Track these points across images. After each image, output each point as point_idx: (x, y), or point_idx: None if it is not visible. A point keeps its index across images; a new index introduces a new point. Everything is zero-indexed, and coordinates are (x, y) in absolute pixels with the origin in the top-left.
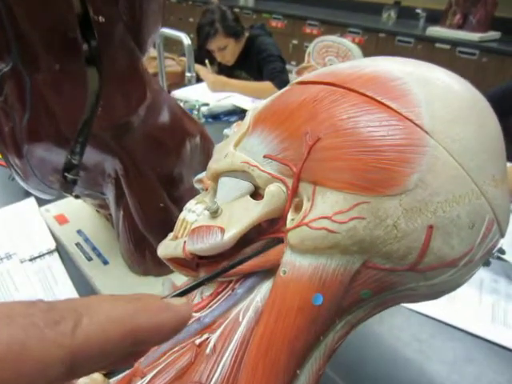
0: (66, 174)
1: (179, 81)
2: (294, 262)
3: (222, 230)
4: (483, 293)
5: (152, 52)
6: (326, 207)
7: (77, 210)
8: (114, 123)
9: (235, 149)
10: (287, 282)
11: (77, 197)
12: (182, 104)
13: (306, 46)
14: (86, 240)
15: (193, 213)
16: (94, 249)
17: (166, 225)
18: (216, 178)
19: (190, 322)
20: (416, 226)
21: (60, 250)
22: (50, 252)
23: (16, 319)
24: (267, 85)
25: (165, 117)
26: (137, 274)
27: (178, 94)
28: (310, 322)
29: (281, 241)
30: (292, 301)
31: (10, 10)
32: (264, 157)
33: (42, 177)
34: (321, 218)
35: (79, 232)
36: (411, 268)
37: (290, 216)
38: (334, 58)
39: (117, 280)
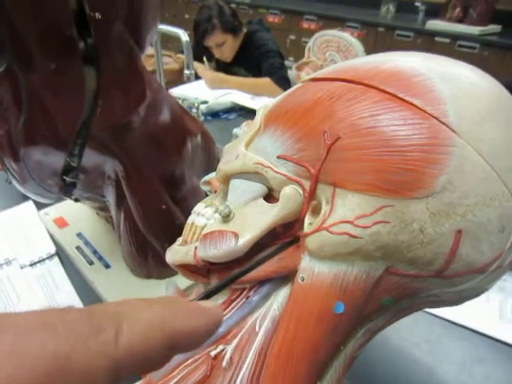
0: (64, 177)
1: (177, 78)
2: (312, 269)
3: (236, 235)
4: (490, 291)
5: (149, 50)
6: (347, 211)
7: (76, 212)
8: (114, 123)
9: (246, 149)
10: (306, 289)
11: (76, 200)
12: (180, 102)
13: (304, 42)
14: (87, 243)
15: (202, 216)
16: (94, 252)
17: (168, 227)
18: (226, 180)
19: None
20: (443, 230)
21: (60, 254)
22: (50, 256)
23: (58, 328)
24: (266, 81)
25: (165, 116)
26: (139, 277)
27: (176, 91)
28: (330, 331)
29: (296, 240)
30: (312, 309)
31: (3, 7)
32: (278, 157)
33: (40, 180)
34: (342, 223)
35: (79, 235)
36: (437, 274)
37: (307, 220)
38: (334, 52)
39: (119, 284)
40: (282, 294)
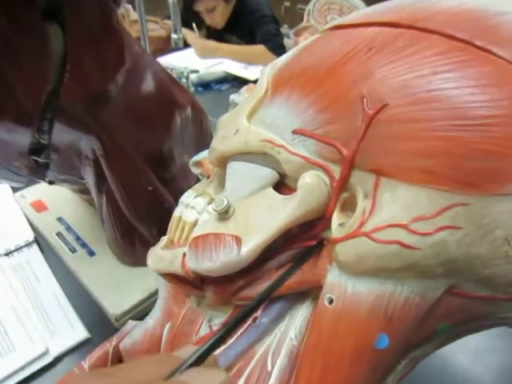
0: (34, 158)
1: (164, 46)
2: (344, 287)
3: (238, 241)
4: None
5: (132, 15)
6: (398, 210)
7: (56, 195)
8: (87, 93)
9: (249, 122)
10: (336, 315)
11: (51, 182)
12: (168, 71)
13: (300, 8)
14: (68, 229)
15: (192, 209)
16: (77, 239)
17: (156, 211)
18: (223, 162)
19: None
20: None
21: (39, 241)
22: (29, 244)
23: None
24: (260, 49)
25: (149, 85)
26: (127, 266)
27: (164, 60)
28: (369, 371)
29: (320, 245)
30: (345, 344)
31: None
32: (294, 132)
33: (7, 163)
34: (390, 227)
35: (60, 220)
36: None
37: (336, 219)
38: (337, 16)
39: (105, 273)
40: (300, 317)
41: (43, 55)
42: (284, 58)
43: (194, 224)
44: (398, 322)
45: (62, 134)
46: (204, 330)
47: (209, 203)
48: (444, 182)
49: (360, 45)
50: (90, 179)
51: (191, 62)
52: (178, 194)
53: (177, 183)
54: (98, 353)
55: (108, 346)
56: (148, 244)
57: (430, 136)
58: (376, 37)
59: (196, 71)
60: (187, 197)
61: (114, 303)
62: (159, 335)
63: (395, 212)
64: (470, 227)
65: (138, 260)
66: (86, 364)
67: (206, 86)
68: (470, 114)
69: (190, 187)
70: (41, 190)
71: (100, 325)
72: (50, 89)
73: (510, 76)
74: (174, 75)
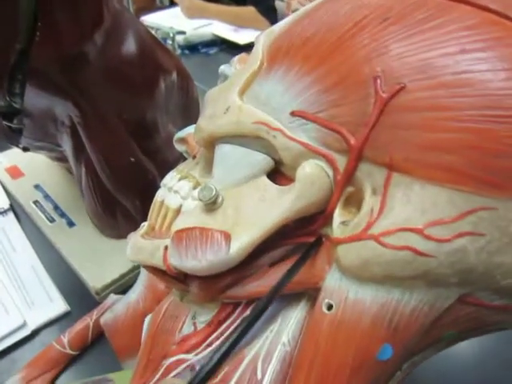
0: (6, 123)
1: (149, 4)
2: (345, 293)
3: (227, 238)
4: None
5: None
6: (411, 211)
7: (33, 160)
8: (62, 54)
9: (242, 99)
10: (335, 323)
11: (25, 149)
12: (153, 31)
13: None
14: (46, 197)
15: (175, 194)
16: (56, 208)
17: (139, 183)
18: (211, 144)
19: (176, 371)
20: None
21: (16, 209)
22: (4, 212)
23: None
24: (250, 11)
25: (131, 46)
26: (108, 238)
27: (149, 19)
28: (369, 383)
29: (318, 242)
30: (344, 355)
31: None
32: (293, 114)
33: None
34: (402, 230)
35: (37, 187)
36: None
37: (338, 216)
38: None
39: (85, 245)
40: (293, 319)
41: (9, 9)
42: (282, 24)
43: (178, 210)
44: (403, 332)
45: (35, 99)
46: (188, 328)
47: (194, 188)
48: (468, 182)
49: (373, 14)
50: (67, 147)
51: (177, 22)
52: (162, 166)
53: (161, 154)
54: (77, 327)
55: (88, 321)
56: (131, 216)
57: (454, 127)
58: (393, 4)
59: (183, 32)
60: (170, 179)
61: (95, 276)
62: (142, 310)
63: (409, 214)
64: (493, 234)
65: (121, 232)
66: (65, 338)
67: (192, 48)
68: (505, 104)
69: (175, 159)
70: (17, 155)
71: (80, 298)
72: (19, 47)
73: None
74: (159, 36)
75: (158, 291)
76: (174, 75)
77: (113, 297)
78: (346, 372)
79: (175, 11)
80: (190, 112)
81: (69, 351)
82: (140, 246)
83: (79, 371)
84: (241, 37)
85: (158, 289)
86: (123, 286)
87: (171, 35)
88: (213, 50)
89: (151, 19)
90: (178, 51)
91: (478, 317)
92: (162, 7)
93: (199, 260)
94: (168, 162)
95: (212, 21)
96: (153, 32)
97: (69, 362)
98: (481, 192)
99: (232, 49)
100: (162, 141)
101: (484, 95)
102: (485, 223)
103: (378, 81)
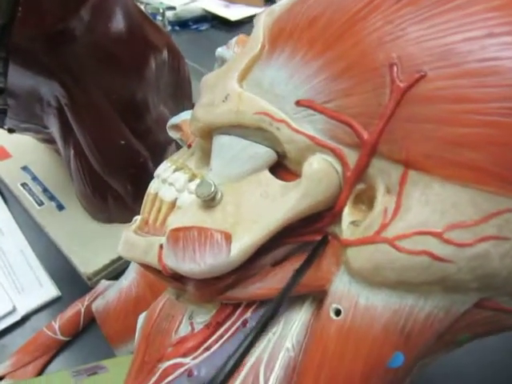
0: None
1: None
2: (355, 299)
3: (227, 238)
4: None
5: None
6: (430, 213)
7: (20, 141)
8: (45, 31)
9: (241, 85)
10: (345, 330)
11: (11, 131)
12: (142, 7)
13: None
14: (35, 179)
15: (170, 186)
16: (44, 190)
17: (129, 166)
18: (208, 134)
19: (173, 375)
20: None
21: (3, 191)
22: None
23: None
24: None
25: (119, 23)
26: (99, 222)
27: None
28: None
29: (325, 241)
30: (354, 363)
31: None
32: (298, 104)
33: None
34: (420, 234)
35: (25, 169)
36: None
37: (347, 216)
38: None
39: (75, 229)
40: (297, 322)
41: None
42: (284, 2)
43: (173, 203)
44: (416, 339)
45: (20, 78)
46: (184, 329)
47: (190, 180)
48: (492, 182)
49: None
50: (54, 129)
51: None
52: (153, 148)
53: (152, 135)
54: (69, 313)
55: (80, 306)
56: (122, 201)
57: (479, 121)
58: None
59: (173, 8)
60: (164, 170)
61: (86, 261)
62: (134, 297)
63: (427, 216)
64: None
65: (112, 216)
66: (56, 324)
67: (183, 24)
68: None
69: (167, 140)
70: (3, 136)
71: (71, 282)
72: (0, 23)
73: None
74: (149, 11)
75: (150, 277)
76: (165, 53)
77: (104, 283)
78: (355, 381)
79: None
80: (181, 91)
81: (60, 337)
82: (133, 242)
83: (72, 357)
84: (232, 13)
85: (150, 277)
86: (115, 271)
87: (161, 11)
88: (204, 27)
89: None
90: (168, 27)
91: (497, 321)
92: None
93: (198, 263)
94: (159, 143)
95: None
96: (142, 7)
97: (60, 347)
98: (507, 192)
99: (223, 25)
100: (152, 122)
101: None
102: (511, 226)
103: (395, 68)
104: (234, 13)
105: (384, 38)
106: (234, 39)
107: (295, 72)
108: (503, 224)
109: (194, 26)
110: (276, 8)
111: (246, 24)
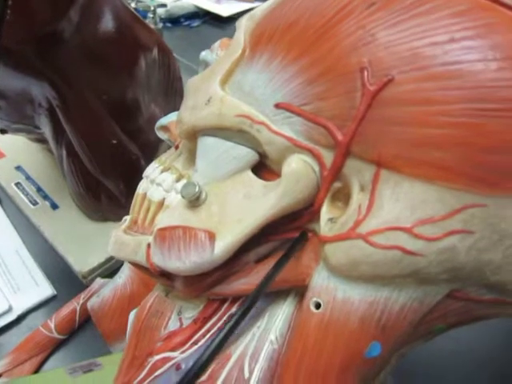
0: None
1: None
2: (333, 292)
3: (211, 237)
4: None
5: None
6: (401, 209)
7: (13, 141)
8: (35, 33)
9: (224, 89)
10: (324, 322)
11: (3, 131)
12: (133, 4)
13: None
14: (28, 178)
15: (158, 186)
16: (38, 190)
17: (121, 165)
18: (193, 136)
19: (162, 369)
20: None
21: None
22: None
23: None
24: None
25: (108, 24)
26: (93, 221)
27: None
28: (358, 379)
29: (304, 237)
30: (333, 354)
31: None
32: (277, 106)
33: None
34: (391, 230)
35: (19, 169)
36: None
37: (325, 213)
38: None
39: (70, 228)
40: (281, 315)
41: None
42: (264, 7)
43: (161, 203)
44: (392, 329)
45: (10, 79)
46: (173, 324)
47: (177, 180)
48: (459, 179)
49: None
50: (46, 130)
51: None
52: (145, 146)
53: (144, 134)
54: (64, 311)
55: (75, 305)
56: (116, 198)
57: (445, 122)
58: None
59: (164, 5)
60: (152, 170)
61: (81, 260)
62: (129, 294)
63: (398, 212)
64: (484, 232)
65: (106, 215)
66: (52, 322)
67: (174, 21)
68: (497, 96)
69: (158, 139)
70: None
71: (66, 281)
72: None
73: None
74: (140, 9)
75: (144, 275)
76: (155, 52)
77: (99, 281)
78: (334, 370)
79: None
80: (172, 89)
81: (56, 335)
82: (122, 241)
83: (68, 355)
84: (223, 8)
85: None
86: (110, 269)
87: (152, 8)
88: (195, 23)
89: None
90: (160, 24)
91: (468, 311)
92: None
93: (183, 261)
94: (151, 142)
95: None
96: (133, 4)
97: (56, 346)
98: (472, 189)
99: (215, 21)
100: (144, 121)
101: (474, 87)
102: (475, 221)
103: (365, 72)
104: (226, 8)
105: (356, 43)
106: (217, 43)
107: (274, 76)
108: (468, 219)
109: (186, 23)
110: (257, 12)
111: (237, 20)
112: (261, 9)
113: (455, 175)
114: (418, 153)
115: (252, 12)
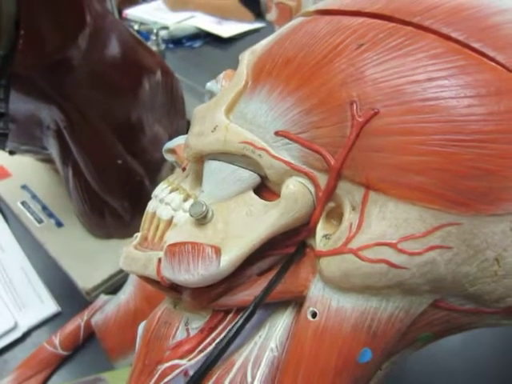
0: None
1: None
2: (328, 302)
3: (217, 252)
4: None
5: None
6: (386, 227)
7: (20, 161)
8: (45, 60)
9: (229, 117)
10: (319, 330)
11: (12, 153)
12: (136, 26)
13: None
14: (34, 197)
15: (166, 205)
16: (44, 208)
17: (126, 184)
18: (200, 160)
19: (171, 376)
20: None
21: (3, 210)
22: None
23: None
24: (233, 2)
25: (114, 49)
26: (97, 238)
27: (132, 13)
28: (352, 383)
29: (301, 250)
30: (328, 359)
31: None
32: (277, 134)
33: None
34: (378, 245)
35: (24, 188)
36: (504, 311)
37: (320, 230)
38: None
39: (74, 245)
40: (280, 325)
41: None
42: (265, 43)
43: (170, 221)
44: (382, 337)
45: (20, 103)
46: (181, 334)
47: (185, 200)
48: (436, 201)
49: (349, 38)
50: (53, 151)
51: (160, 15)
52: (149, 166)
53: (148, 154)
54: (69, 328)
55: (79, 321)
56: (120, 216)
57: (422, 151)
58: (366, 31)
59: (166, 27)
60: (161, 190)
61: (85, 277)
62: (133, 310)
63: (384, 230)
64: (460, 247)
65: (109, 232)
66: (56, 339)
67: (176, 42)
68: (466, 129)
69: (162, 158)
70: (3, 156)
71: (70, 298)
72: (1, 54)
73: (509, 86)
74: (144, 31)
75: (147, 290)
76: (158, 74)
77: (103, 297)
78: (329, 374)
79: (158, 4)
80: (175, 110)
81: (60, 352)
82: (133, 256)
83: (72, 371)
84: (224, 29)
85: (147, 288)
86: (113, 285)
87: (155, 31)
88: (197, 44)
89: (134, 13)
90: (163, 46)
91: (450, 319)
92: (145, 0)
93: (192, 274)
94: (155, 161)
95: (195, 14)
96: (136, 26)
97: (61, 362)
98: (448, 209)
99: (216, 41)
100: (148, 141)
101: (448, 121)
102: (452, 237)
103: (354, 105)
104: (226, 29)
105: (346, 79)
106: (222, 74)
107: (274, 106)
108: (445, 235)
109: (188, 44)
110: (258, 48)
111: (238, 40)
112: (261, 44)
113: (433, 197)
114: (401, 177)
115: (253, 47)
